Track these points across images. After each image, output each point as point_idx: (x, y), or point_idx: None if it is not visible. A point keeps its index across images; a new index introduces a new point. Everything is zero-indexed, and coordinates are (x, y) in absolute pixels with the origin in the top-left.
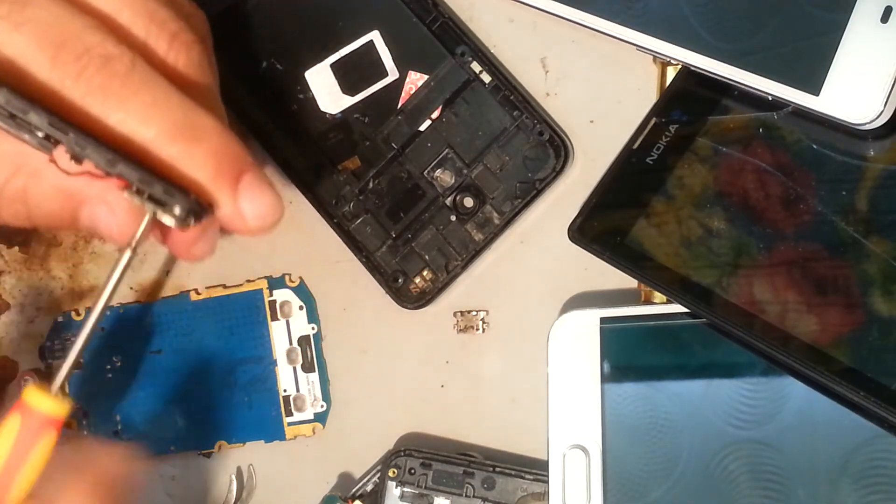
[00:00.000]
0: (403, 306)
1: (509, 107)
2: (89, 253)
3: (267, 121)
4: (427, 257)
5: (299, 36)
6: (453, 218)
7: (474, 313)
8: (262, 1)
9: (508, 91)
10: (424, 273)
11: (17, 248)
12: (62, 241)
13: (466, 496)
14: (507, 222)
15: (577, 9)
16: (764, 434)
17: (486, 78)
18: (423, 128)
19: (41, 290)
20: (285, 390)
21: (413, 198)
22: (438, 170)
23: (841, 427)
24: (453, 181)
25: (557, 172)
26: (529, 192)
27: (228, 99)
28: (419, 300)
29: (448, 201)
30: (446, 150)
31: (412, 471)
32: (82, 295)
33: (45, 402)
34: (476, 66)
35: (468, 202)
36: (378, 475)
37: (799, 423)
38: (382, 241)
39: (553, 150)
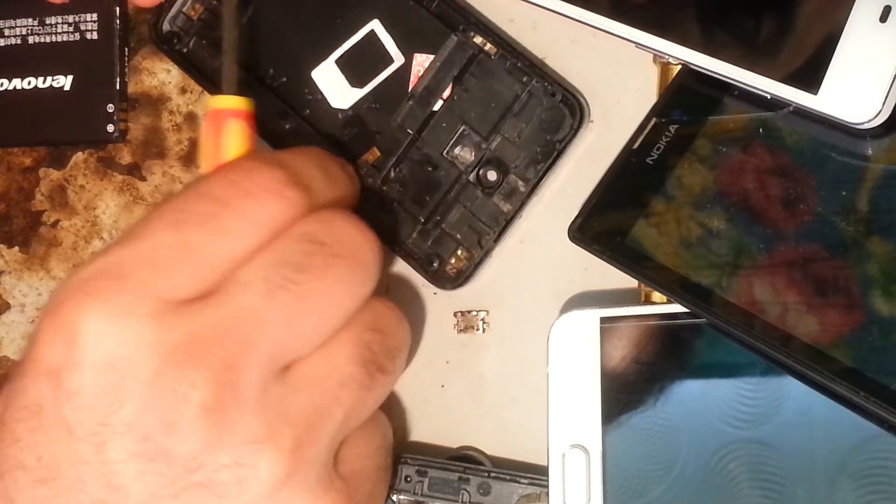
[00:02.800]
0: (443, 288)
1: (518, 74)
2: (89, 253)
3: (282, 129)
4: (459, 236)
5: (301, 38)
6: (479, 193)
7: (474, 313)
8: (259, 12)
9: (515, 59)
10: (459, 252)
11: (17, 248)
12: (62, 241)
13: (462, 502)
14: (534, 188)
15: (577, 6)
16: (763, 434)
17: (491, 49)
18: (435, 108)
19: (41, 290)
20: None
21: (436, 180)
22: (457, 148)
23: (840, 427)
24: (473, 157)
25: (575, 130)
26: (551, 154)
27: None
28: (457, 279)
29: (471, 177)
30: (462, 127)
31: (408, 478)
32: None
33: (216, 101)
34: (479, 39)
35: (492, 175)
36: None
37: (798, 423)
38: (412, 227)
39: (568, 109)
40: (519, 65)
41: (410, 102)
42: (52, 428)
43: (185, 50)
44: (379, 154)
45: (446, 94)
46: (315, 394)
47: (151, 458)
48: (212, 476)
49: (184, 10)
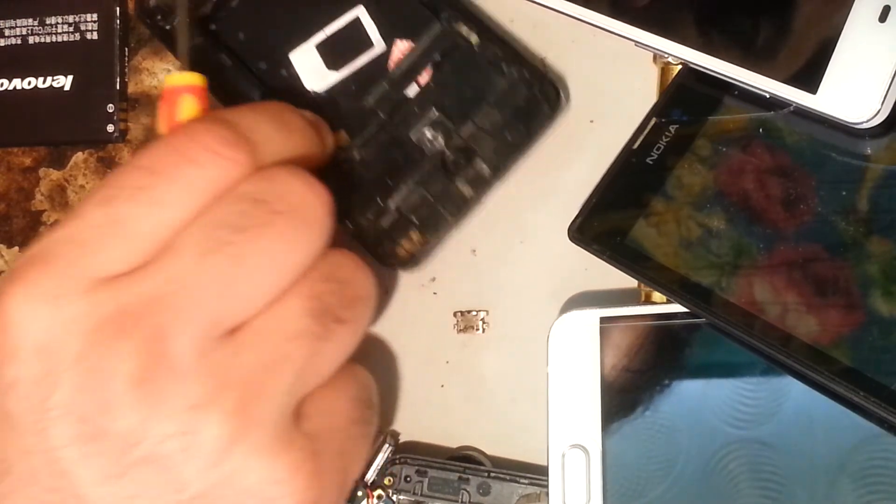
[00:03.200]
0: (391, 267)
1: (498, 63)
2: None
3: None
4: (415, 220)
5: (284, 20)
6: (443, 178)
7: (474, 313)
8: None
9: (497, 48)
10: (412, 236)
11: (17, 248)
12: None
13: (462, 502)
14: (500, 174)
15: (577, 4)
16: (763, 433)
17: (474, 38)
18: (411, 94)
19: None
20: None
21: (400, 163)
22: (427, 132)
23: (840, 427)
24: (442, 142)
25: (549, 120)
26: (521, 142)
27: (227, 96)
28: (408, 262)
29: (437, 162)
30: (434, 113)
31: (408, 478)
32: None
33: (171, 79)
34: (464, 28)
35: (459, 161)
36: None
37: (798, 423)
38: (369, 207)
39: (546, 99)
40: (500, 53)
41: (385, 86)
42: None
43: (168, 27)
44: (346, 137)
45: (424, 79)
46: (261, 352)
47: (91, 439)
48: (155, 448)
49: None
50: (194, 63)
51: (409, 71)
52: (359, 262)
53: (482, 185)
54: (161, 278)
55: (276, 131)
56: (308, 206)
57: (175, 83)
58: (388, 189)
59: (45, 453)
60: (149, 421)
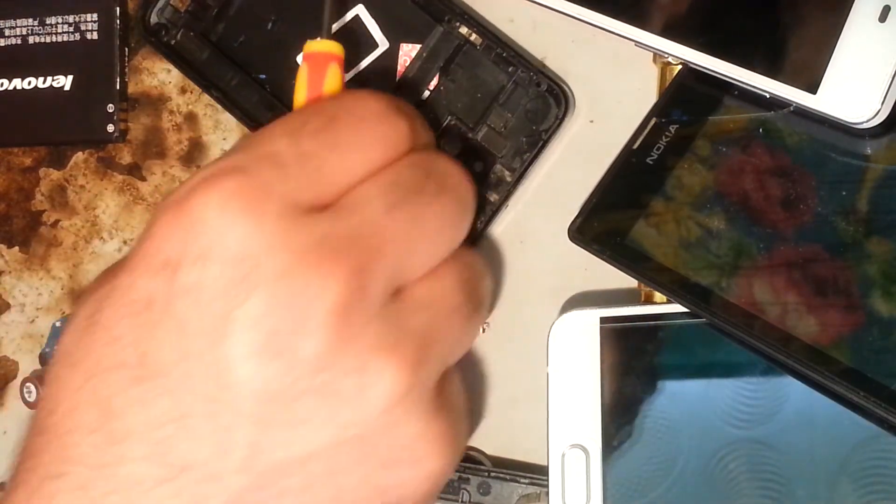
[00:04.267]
0: None
1: (504, 64)
2: (89, 253)
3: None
4: None
5: (286, 25)
6: None
7: None
8: (244, 4)
9: (501, 49)
10: None
11: (17, 248)
12: (62, 241)
13: (462, 501)
14: (520, 177)
15: (577, 4)
16: (763, 434)
17: (477, 40)
18: (423, 98)
19: (41, 290)
20: None
21: None
22: (444, 138)
23: (840, 427)
24: (460, 148)
25: (560, 120)
26: (536, 143)
27: (233, 106)
28: None
29: None
30: (449, 118)
31: None
32: (82, 295)
33: (319, 45)
34: (465, 30)
35: (478, 166)
36: None
37: (798, 423)
38: None
39: (553, 98)
40: (504, 55)
41: (398, 93)
42: (162, 323)
43: (172, 42)
44: None
45: (433, 84)
46: (430, 315)
47: (276, 355)
48: (334, 380)
49: (171, 1)
50: (199, 75)
51: (419, 76)
52: (486, 264)
53: (505, 189)
54: (356, 220)
55: (416, 114)
56: (464, 189)
57: (320, 49)
58: None
59: (216, 362)
60: (338, 352)
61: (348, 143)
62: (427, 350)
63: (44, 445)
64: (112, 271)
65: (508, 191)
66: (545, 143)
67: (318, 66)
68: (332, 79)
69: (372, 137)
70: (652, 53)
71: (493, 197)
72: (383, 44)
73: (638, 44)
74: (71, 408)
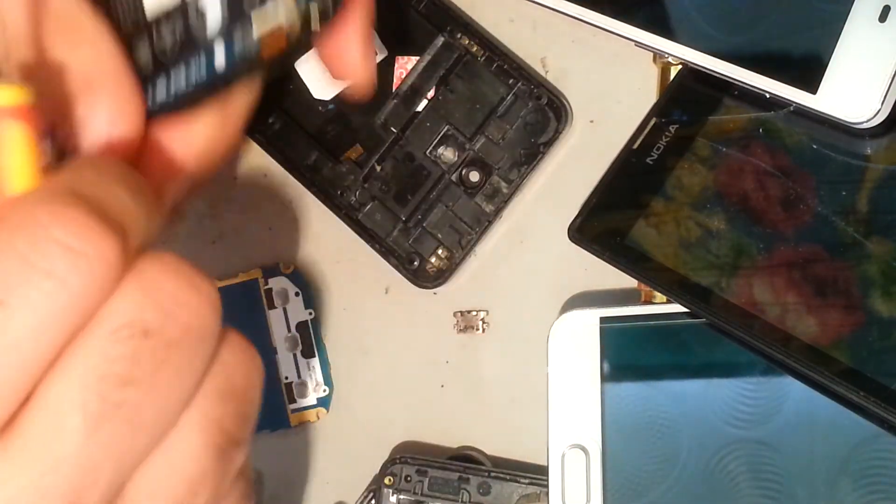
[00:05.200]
0: (423, 287)
1: (504, 76)
2: None
3: (270, 130)
4: (440, 235)
5: None
6: (462, 193)
7: (474, 313)
8: None
9: (501, 61)
10: (439, 252)
11: None
12: None
13: (462, 501)
14: (516, 189)
15: (577, 4)
16: (763, 434)
17: (478, 51)
18: (420, 108)
19: None
20: (286, 378)
21: (419, 179)
22: (441, 148)
23: (840, 427)
24: (457, 157)
25: (559, 133)
26: (534, 156)
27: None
28: (437, 278)
29: (454, 178)
30: (446, 128)
31: (408, 478)
32: None
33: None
34: (466, 41)
35: (474, 176)
36: (372, 496)
37: (798, 423)
38: (393, 225)
39: (553, 112)
40: (505, 67)
41: (395, 101)
42: None
43: None
44: (362, 151)
45: (431, 94)
46: None
47: None
48: None
49: None
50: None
51: (417, 85)
52: (250, 349)
53: (500, 200)
54: (47, 463)
55: (131, 195)
56: (202, 318)
57: None
58: (410, 206)
59: None
60: None
61: (17, 331)
62: None
63: None
64: None
65: (504, 202)
66: (543, 155)
67: None
68: (13, 152)
69: (50, 305)
70: (652, 53)
71: (489, 208)
72: (382, 52)
73: (638, 44)
74: None
